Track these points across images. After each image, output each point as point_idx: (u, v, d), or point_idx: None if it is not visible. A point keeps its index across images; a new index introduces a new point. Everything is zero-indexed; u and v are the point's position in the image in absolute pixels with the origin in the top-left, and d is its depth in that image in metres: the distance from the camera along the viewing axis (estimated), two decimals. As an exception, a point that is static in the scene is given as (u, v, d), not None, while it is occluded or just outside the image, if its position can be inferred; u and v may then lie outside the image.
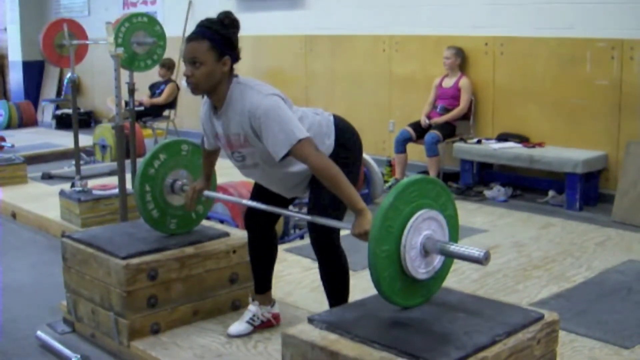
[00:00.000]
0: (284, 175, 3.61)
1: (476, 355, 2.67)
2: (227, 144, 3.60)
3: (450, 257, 3.03)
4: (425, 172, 8.11)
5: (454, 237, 3.12)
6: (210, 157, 4.01)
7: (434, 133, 7.92)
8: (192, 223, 4.37)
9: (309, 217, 3.52)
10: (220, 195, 4.49)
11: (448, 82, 8.18)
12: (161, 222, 4.21)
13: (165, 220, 4.22)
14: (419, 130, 8.12)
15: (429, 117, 8.19)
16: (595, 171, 7.20)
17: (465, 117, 8.22)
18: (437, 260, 3.03)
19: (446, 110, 8.10)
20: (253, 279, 4.06)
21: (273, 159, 3.41)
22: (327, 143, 3.61)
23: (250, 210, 3.94)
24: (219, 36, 3.46)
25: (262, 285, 4.03)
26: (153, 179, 4.14)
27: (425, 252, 2.96)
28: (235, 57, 3.53)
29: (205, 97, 3.62)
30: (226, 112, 3.51)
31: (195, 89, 3.49)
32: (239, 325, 3.98)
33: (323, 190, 3.45)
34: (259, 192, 3.88)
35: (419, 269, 2.96)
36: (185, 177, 4.21)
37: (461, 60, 8.09)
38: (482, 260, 2.82)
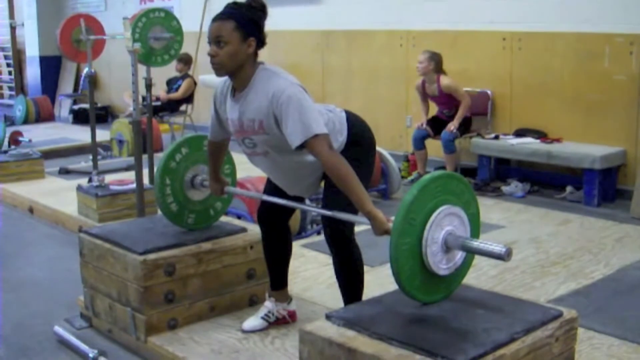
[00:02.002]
0: (293, 165, 3.59)
1: (494, 353, 2.66)
2: (239, 130, 3.58)
3: (471, 253, 3.01)
4: (443, 168, 8.09)
5: (476, 235, 3.11)
6: (217, 152, 4.00)
7: (449, 132, 7.88)
8: (210, 219, 4.37)
9: (328, 212, 3.50)
10: (239, 190, 4.48)
11: (432, 89, 8.03)
12: (179, 216, 4.21)
13: (183, 215, 4.22)
14: (436, 127, 8.08)
15: (438, 118, 8.14)
16: (613, 167, 7.16)
17: (482, 112, 8.20)
18: (458, 256, 3.02)
19: (449, 116, 8.04)
20: (269, 275, 4.05)
21: (284, 148, 3.42)
22: (340, 140, 3.60)
23: (263, 206, 3.93)
24: (245, 17, 3.45)
25: (278, 282, 4.03)
26: (174, 172, 4.14)
27: (447, 247, 2.94)
28: (261, 41, 3.52)
29: (226, 78, 3.61)
30: (246, 96, 3.49)
31: (219, 69, 3.47)
32: (253, 321, 3.98)
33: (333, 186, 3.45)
34: (272, 188, 3.87)
35: (440, 265, 2.94)
36: (206, 173, 4.20)
37: (435, 64, 7.90)
38: (504, 257, 2.81)
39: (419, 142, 8.11)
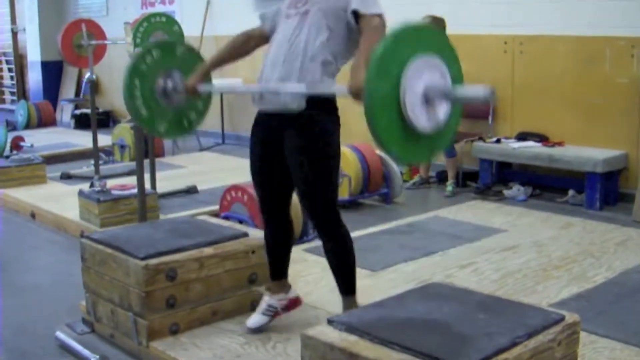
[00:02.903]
0: (310, 44, 3.58)
1: (496, 357, 2.66)
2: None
3: (453, 100, 2.92)
4: (444, 172, 8.09)
5: None
6: (240, 45, 4.00)
7: None
8: (183, 129, 4.31)
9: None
10: (217, 87, 4.39)
11: None
12: (150, 121, 4.12)
13: (154, 121, 4.14)
14: None
15: None
16: (615, 170, 7.15)
17: (484, 116, 8.20)
18: (441, 112, 2.92)
19: None
20: (269, 265, 4.05)
21: (329, 14, 3.54)
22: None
23: (263, 196, 3.93)
24: None
25: (278, 271, 4.04)
26: (144, 75, 4.04)
27: (427, 99, 2.85)
28: None
29: None
30: None
31: None
32: (255, 317, 4.01)
33: (310, 167, 3.60)
34: (262, 180, 3.89)
35: (420, 118, 2.84)
36: (179, 80, 4.10)
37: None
38: (488, 97, 2.71)
39: (452, 150, 8.10)
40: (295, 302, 4.08)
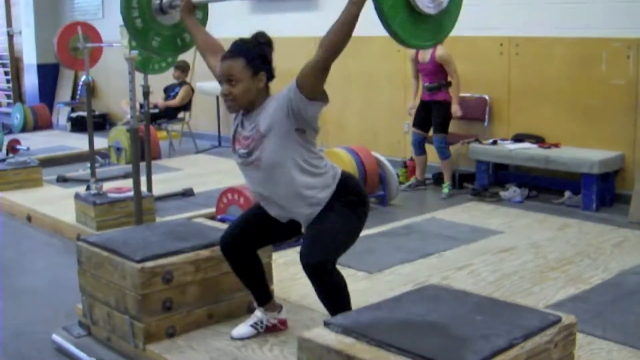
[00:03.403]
0: (286, 180, 3.54)
1: (493, 359, 2.65)
2: (238, 142, 3.65)
3: None
4: (440, 174, 8.09)
5: None
6: (210, 44, 4.03)
7: (437, 137, 7.87)
8: (177, 49, 4.31)
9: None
10: None
11: (424, 56, 7.88)
12: (143, 35, 4.12)
13: (148, 35, 4.13)
14: (426, 125, 8.03)
15: (425, 103, 8.03)
16: (611, 171, 7.16)
17: (480, 117, 8.20)
18: None
19: (431, 89, 7.90)
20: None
21: (277, 161, 3.47)
22: (329, 186, 3.62)
23: (228, 237, 3.85)
24: (253, 53, 3.53)
25: (261, 298, 4.00)
26: None
27: None
28: (270, 74, 3.59)
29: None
30: (260, 111, 3.56)
31: (233, 106, 3.58)
32: (242, 328, 3.98)
33: (325, 227, 3.53)
34: (249, 225, 3.86)
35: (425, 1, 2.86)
36: None
37: None
38: None
39: (418, 147, 8.11)
40: (283, 324, 4.04)
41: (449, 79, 7.81)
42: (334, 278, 3.49)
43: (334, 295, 3.53)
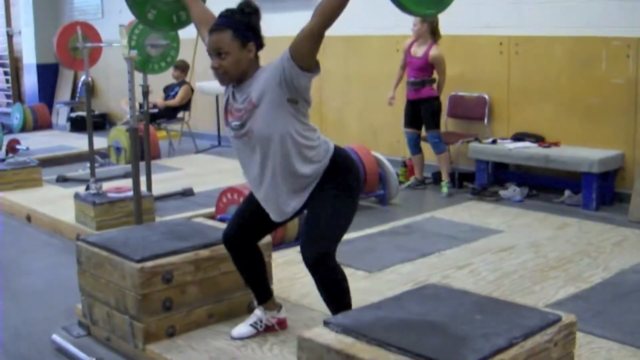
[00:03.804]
0: (278, 152, 3.52)
1: (493, 358, 2.66)
2: (231, 114, 3.62)
3: None
4: (439, 173, 8.09)
5: None
6: (202, 13, 4.00)
7: (430, 132, 7.89)
8: (172, 25, 4.30)
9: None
10: None
11: (417, 51, 7.92)
12: (141, 5, 4.11)
13: (145, 6, 4.11)
14: (417, 123, 8.07)
15: (410, 102, 8.05)
16: (611, 170, 7.16)
17: (480, 117, 8.19)
18: None
19: (415, 84, 7.94)
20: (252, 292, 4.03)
21: (270, 131, 3.46)
22: (321, 158, 3.60)
23: (230, 233, 3.85)
24: (240, 24, 3.50)
25: (262, 296, 4.00)
26: None
27: None
28: (260, 44, 3.57)
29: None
30: (252, 82, 3.54)
31: (224, 79, 3.54)
32: (242, 328, 3.97)
33: (321, 215, 3.53)
34: (246, 215, 3.85)
35: None
36: None
37: (429, 26, 7.81)
38: None
39: (414, 147, 8.11)
40: (281, 323, 4.03)
41: (434, 76, 7.88)
42: (335, 272, 3.53)
43: (334, 289, 3.56)
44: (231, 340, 3.94)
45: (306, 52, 3.38)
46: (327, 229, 3.53)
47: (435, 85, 7.90)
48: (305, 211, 3.71)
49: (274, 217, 3.70)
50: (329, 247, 3.50)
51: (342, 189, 3.59)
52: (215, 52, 3.49)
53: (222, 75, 3.51)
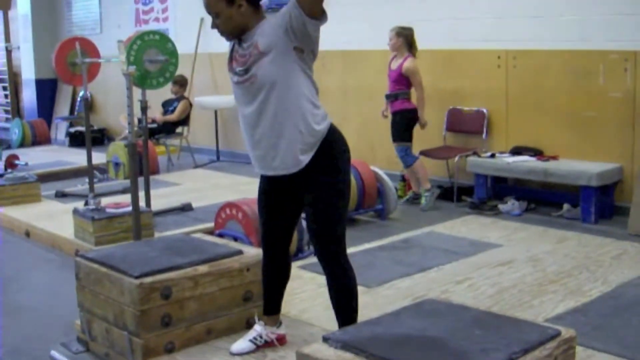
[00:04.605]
0: (279, 99, 3.57)
1: (493, 374, 2.65)
2: (235, 61, 3.66)
3: None
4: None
5: None
6: None
7: (395, 145, 7.97)
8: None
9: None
10: None
11: (394, 64, 7.98)
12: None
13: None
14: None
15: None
16: (610, 184, 7.16)
17: (478, 131, 8.20)
18: None
19: (388, 97, 8.01)
20: (263, 300, 4.02)
21: (273, 77, 3.51)
22: (319, 125, 3.63)
23: (267, 232, 3.90)
24: None
25: (273, 307, 4.01)
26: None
27: None
28: None
29: None
30: (256, 30, 3.58)
31: (225, 36, 3.66)
32: (242, 343, 3.96)
33: (322, 203, 3.61)
34: (270, 210, 3.87)
35: None
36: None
37: (405, 39, 7.84)
38: None
39: (406, 159, 8.12)
40: (280, 339, 4.03)
41: (411, 89, 7.93)
42: (346, 269, 3.73)
43: (344, 286, 3.72)
44: (230, 356, 3.93)
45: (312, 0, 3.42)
46: (334, 225, 3.66)
47: (408, 98, 7.93)
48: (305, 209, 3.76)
49: (260, 166, 3.73)
50: (339, 244, 3.69)
51: (336, 177, 3.66)
52: (209, 13, 3.60)
53: (221, 33, 3.64)
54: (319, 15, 3.45)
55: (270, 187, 3.79)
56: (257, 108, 3.61)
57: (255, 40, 3.55)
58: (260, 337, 3.96)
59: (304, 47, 3.53)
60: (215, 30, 3.66)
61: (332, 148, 3.65)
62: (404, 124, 7.95)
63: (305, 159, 3.60)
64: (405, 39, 7.81)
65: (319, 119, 3.63)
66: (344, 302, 3.75)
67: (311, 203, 3.68)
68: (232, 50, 3.71)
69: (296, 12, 3.40)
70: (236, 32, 3.60)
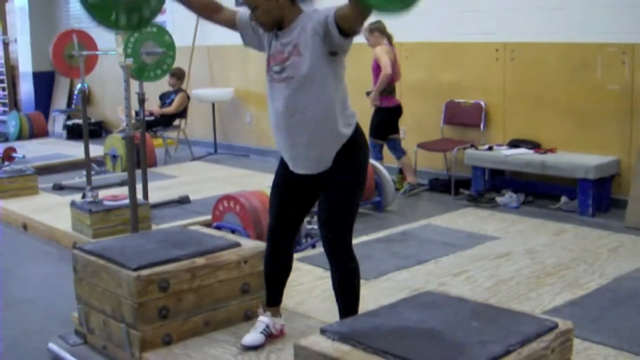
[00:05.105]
0: (315, 95, 3.61)
1: (490, 366, 2.65)
2: (274, 59, 3.68)
3: None
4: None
5: None
6: (213, 10, 3.92)
7: (371, 142, 7.94)
8: (133, 26, 4.15)
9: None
10: None
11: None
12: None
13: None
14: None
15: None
16: (607, 177, 7.16)
17: (476, 123, 8.20)
18: None
19: (368, 94, 8.03)
20: (266, 292, 4.03)
21: (310, 75, 3.56)
22: (349, 123, 3.71)
23: (277, 224, 3.89)
24: None
25: (276, 298, 4.02)
26: None
27: None
28: None
29: None
30: (295, 27, 3.61)
31: (264, 28, 3.68)
32: (253, 336, 3.95)
33: (337, 196, 3.67)
34: (284, 202, 3.88)
35: None
36: None
37: (378, 33, 7.85)
38: None
39: (392, 152, 8.13)
40: (282, 331, 4.06)
41: (395, 83, 8.02)
42: (354, 257, 3.78)
43: (348, 279, 3.75)
44: (228, 348, 3.93)
45: (350, 25, 3.45)
46: (352, 216, 3.75)
47: (390, 93, 8.00)
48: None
49: (292, 165, 3.77)
50: (348, 234, 3.74)
51: (357, 172, 3.74)
52: (249, 7, 3.62)
53: (261, 25, 3.67)
54: (354, 33, 3.51)
55: (291, 179, 3.81)
56: (290, 108, 3.64)
57: (294, 39, 3.58)
58: (269, 328, 3.97)
59: (339, 51, 3.60)
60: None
61: (357, 145, 3.72)
62: (373, 121, 8.03)
63: (335, 157, 3.68)
64: (378, 31, 7.83)
65: (351, 119, 3.71)
66: (347, 296, 3.77)
67: (332, 194, 3.72)
68: (269, 48, 3.71)
69: (334, 32, 3.45)
70: (273, 25, 3.64)
